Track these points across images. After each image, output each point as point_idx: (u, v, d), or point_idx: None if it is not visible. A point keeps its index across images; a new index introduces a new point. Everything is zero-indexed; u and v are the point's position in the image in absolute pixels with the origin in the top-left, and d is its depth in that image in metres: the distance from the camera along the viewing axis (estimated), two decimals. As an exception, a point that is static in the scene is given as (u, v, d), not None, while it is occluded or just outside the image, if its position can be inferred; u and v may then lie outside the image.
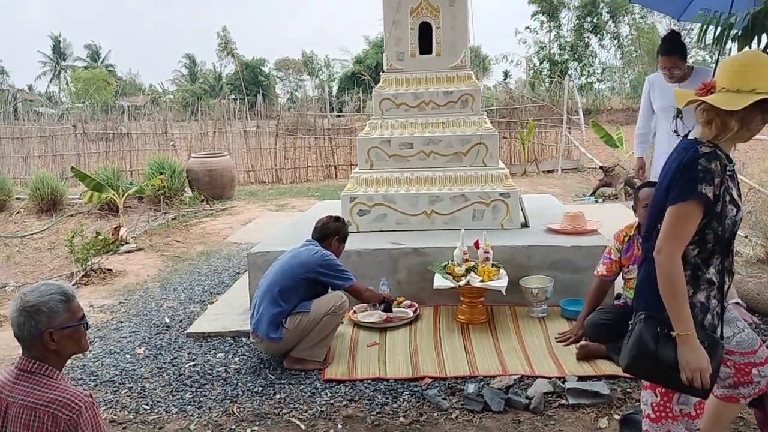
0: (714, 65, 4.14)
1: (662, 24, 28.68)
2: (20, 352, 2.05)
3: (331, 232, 4.30)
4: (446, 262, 4.60)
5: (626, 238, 4.02)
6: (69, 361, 4.17)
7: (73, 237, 6.78)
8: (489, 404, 3.41)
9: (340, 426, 3.34)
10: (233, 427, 3.38)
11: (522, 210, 5.41)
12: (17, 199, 10.80)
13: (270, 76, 48.45)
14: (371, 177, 5.47)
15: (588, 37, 29.82)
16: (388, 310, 4.53)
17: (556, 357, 3.94)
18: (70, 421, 1.91)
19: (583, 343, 3.96)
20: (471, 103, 5.63)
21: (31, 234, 8.81)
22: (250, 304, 4.98)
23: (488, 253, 4.54)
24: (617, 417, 3.21)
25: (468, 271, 4.47)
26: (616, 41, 30.19)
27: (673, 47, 4.57)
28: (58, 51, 53.69)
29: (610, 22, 29.64)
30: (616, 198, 10.24)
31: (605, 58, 31.07)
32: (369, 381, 3.79)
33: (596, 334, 3.93)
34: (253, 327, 4.05)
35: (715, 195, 2.06)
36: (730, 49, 3.49)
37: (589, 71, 29.80)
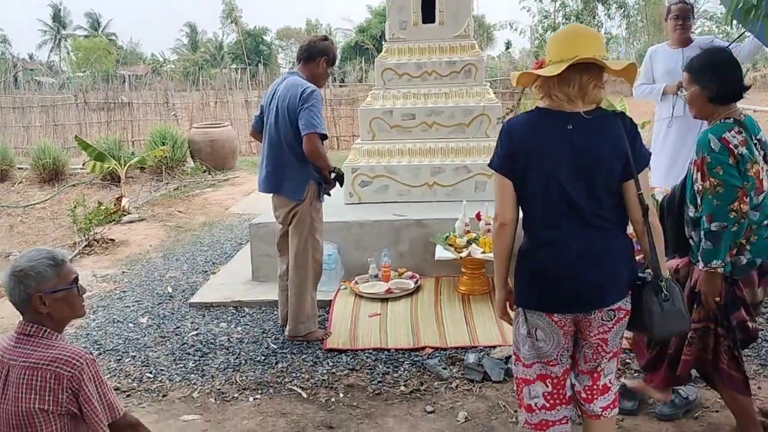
0: (725, 37, 4.14)
1: (669, -6, 28.27)
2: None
3: (319, 52, 3.88)
4: (448, 234, 4.61)
5: None
6: (72, 330, 4.25)
7: (75, 207, 6.79)
8: (489, 374, 3.44)
9: (341, 395, 3.38)
10: (236, 395, 3.42)
11: (524, 181, 5.38)
12: (19, 168, 10.79)
13: (272, 45, 48.00)
14: (373, 148, 5.45)
15: (595, 7, 29.37)
16: (339, 179, 3.94)
17: (556, 328, 3.97)
18: (73, 378, 1.94)
19: None
20: (474, 73, 5.57)
21: (34, 204, 8.83)
22: (252, 274, 5.01)
23: (490, 224, 4.53)
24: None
25: (469, 242, 4.48)
26: (622, 11, 29.74)
27: None
28: (59, 19, 53.13)
29: (618, -10, 29.16)
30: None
31: (610, 28, 30.66)
32: (370, 351, 3.83)
33: None
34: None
35: None
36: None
37: (594, 41, 29.44)
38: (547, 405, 2.31)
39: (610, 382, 2.35)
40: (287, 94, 3.78)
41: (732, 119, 2.52)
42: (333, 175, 3.89)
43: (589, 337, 2.26)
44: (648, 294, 2.19)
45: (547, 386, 2.30)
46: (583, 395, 2.35)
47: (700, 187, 2.48)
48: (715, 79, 2.52)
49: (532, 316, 2.26)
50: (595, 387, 2.34)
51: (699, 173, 2.49)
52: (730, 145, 2.44)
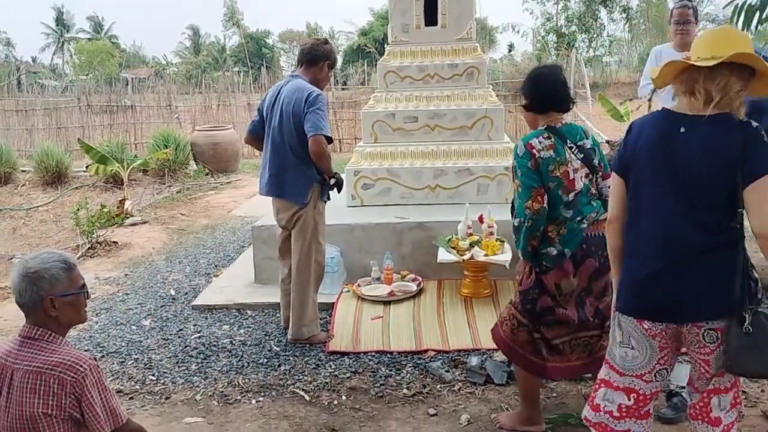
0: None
1: (672, -4, 28.23)
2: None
3: (322, 55, 3.89)
4: (450, 236, 4.61)
5: None
6: (75, 332, 4.26)
7: (78, 210, 6.80)
8: (491, 377, 3.44)
9: (344, 397, 3.38)
10: (239, 397, 3.42)
11: (527, 184, 5.38)
12: (22, 171, 10.81)
13: (274, 48, 48.07)
14: (375, 151, 5.45)
15: (597, 9, 29.36)
16: (338, 185, 3.98)
17: (558, 331, 3.96)
18: (76, 383, 1.95)
19: None
20: (476, 76, 5.58)
21: (37, 206, 8.84)
22: (254, 277, 5.01)
23: (492, 227, 4.54)
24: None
25: (472, 245, 4.48)
26: (625, 14, 29.72)
27: (688, 2, 4.79)
28: (62, 23, 53.30)
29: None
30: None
31: (613, 31, 30.62)
32: (373, 353, 3.83)
33: None
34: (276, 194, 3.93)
35: None
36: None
37: (597, 43, 29.40)
38: (616, 414, 2.22)
39: (724, 417, 2.17)
40: (292, 98, 3.78)
41: (546, 126, 2.78)
42: (333, 180, 3.90)
43: (692, 353, 2.15)
44: (731, 323, 2.00)
45: (629, 400, 2.20)
46: (695, 414, 2.22)
47: (514, 187, 2.82)
48: (527, 91, 2.83)
49: (625, 322, 2.17)
50: (704, 414, 2.18)
51: (512, 175, 2.84)
52: (534, 150, 2.71)
